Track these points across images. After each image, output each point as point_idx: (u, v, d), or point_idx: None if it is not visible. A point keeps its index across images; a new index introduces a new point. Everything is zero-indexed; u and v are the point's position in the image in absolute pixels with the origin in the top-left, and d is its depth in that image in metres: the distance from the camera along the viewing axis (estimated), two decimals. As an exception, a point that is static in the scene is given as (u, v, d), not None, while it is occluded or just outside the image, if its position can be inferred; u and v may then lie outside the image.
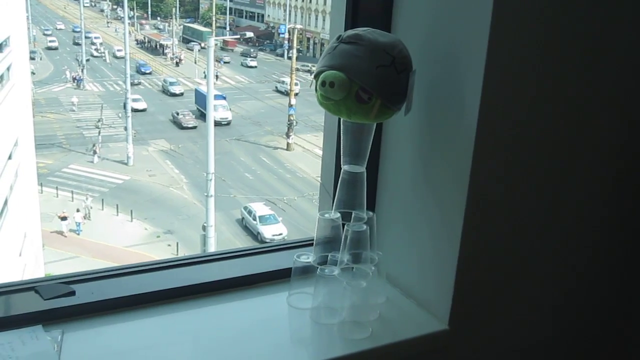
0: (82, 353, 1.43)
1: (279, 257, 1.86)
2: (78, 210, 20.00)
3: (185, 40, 47.83)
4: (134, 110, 29.22)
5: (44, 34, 48.58)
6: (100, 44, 44.35)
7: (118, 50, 41.71)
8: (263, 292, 1.71)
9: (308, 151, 25.26)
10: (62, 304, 1.49)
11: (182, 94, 33.96)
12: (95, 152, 24.68)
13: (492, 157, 1.53)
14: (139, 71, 38.76)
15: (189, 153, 25.36)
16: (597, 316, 1.97)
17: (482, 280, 1.66)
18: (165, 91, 34.66)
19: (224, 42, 45.38)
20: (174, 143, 26.22)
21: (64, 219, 19.62)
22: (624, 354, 2.02)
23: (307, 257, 1.62)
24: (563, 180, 1.71)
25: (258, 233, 19.07)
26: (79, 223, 19.72)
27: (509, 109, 1.52)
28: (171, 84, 35.16)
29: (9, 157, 13.68)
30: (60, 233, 19.42)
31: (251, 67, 41.26)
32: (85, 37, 42.78)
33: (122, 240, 18.85)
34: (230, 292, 1.70)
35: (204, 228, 16.80)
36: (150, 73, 38.71)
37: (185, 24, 51.59)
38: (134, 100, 33.16)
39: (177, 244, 18.70)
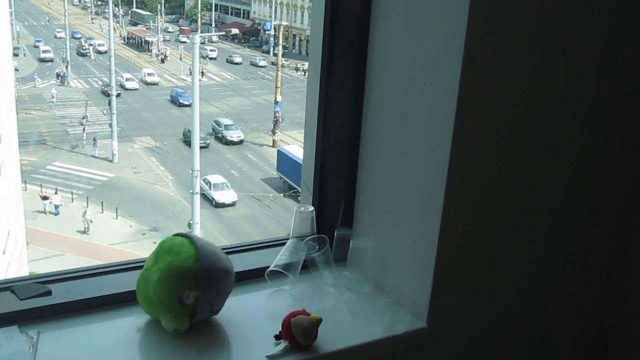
0: (58, 353, 1.42)
1: (262, 254, 1.87)
2: (56, 193, 20.53)
3: (133, 23, 51.94)
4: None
5: (35, 46, 40.92)
6: (85, 40, 43.75)
7: (99, 45, 41.06)
8: (245, 290, 1.71)
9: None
10: (38, 304, 1.49)
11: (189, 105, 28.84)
12: (95, 145, 24.63)
13: (468, 158, 1.54)
14: (176, 101, 31.08)
15: (175, 150, 25.25)
16: (574, 314, 1.98)
17: (460, 279, 1.67)
18: (174, 101, 31.19)
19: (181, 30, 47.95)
20: (159, 140, 26.08)
21: (45, 198, 20.37)
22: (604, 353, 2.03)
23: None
24: (540, 180, 1.72)
25: (212, 199, 21.09)
26: (58, 205, 20.16)
27: (486, 107, 1.53)
28: (179, 94, 31.49)
29: (-8, 155, 13.56)
30: (42, 212, 20.11)
31: (236, 63, 41.00)
32: (74, 37, 42.25)
33: (107, 238, 18.75)
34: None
35: (190, 225, 16.76)
36: (189, 105, 27.68)
37: (132, 10, 55.21)
38: (127, 79, 32.83)
39: (163, 241, 18.64)
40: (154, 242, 18.50)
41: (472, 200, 1.60)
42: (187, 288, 1.43)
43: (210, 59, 41.15)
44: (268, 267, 1.70)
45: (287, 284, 1.70)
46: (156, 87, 34.01)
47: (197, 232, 16.20)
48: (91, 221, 19.06)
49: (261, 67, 40.16)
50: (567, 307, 1.95)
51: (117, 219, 20.08)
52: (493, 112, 1.55)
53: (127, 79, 33.82)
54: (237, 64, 40.77)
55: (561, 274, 1.88)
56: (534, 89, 1.59)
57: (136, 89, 33.35)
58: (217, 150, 25.60)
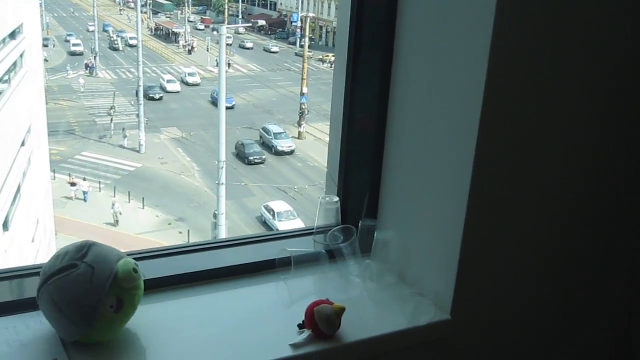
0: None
1: (287, 244, 1.87)
2: (84, 180, 20.93)
3: (154, 12, 51.38)
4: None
5: (66, 40, 40.26)
6: (114, 32, 43.97)
7: (131, 39, 41.20)
8: (268, 279, 1.74)
9: (319, 140, 25.20)
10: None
11: (232, 107, 27.96)
12: (125, 136, 24.81)
13: (494, 150, 1.54)
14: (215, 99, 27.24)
15: (201, 141, 25.34)
16: (598, 311, 1.96)
17: (485, 271, 1.67)
18: (215, 103, 28.02)
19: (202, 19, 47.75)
20: (185, 131, 26.21)
21: (72, 184, 20.84)
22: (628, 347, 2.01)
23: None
24: (565, 173, 1.70)
25: (272, 146, 21.49)
26: (86, 192, 20.54)
27: (512, 98, 1.52)
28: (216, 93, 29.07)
29: (22, 144, 13.74)
30: (69, 198, 20.52)
31: (249, 48, 41.50)
32: (104, 30, 42.38)
33: (133, 227, 18.93)
34: (240, 278, 1.74)
35: (215, 216, 16.84)
36: (232, 107, 27.70)
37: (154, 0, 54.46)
38: (168, 81, 31.05)
39: (189, 231, 18.74)
40: (180, 232, 18.75)
41: (497, 194, 1.59)
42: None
43: (247, 48, 41.60)
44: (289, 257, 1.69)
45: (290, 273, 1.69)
46: (198, 88, 32.15)
47: (222, 222, 16.28)
48: (120, 213, 19.23)
49: (273, 52, 40.96)
50: (592, 303, 1.94)
51: (143, 208, 20.25)
52: (519, 104, 1.54)
53: (168, 81, 31.68)
54: (249, 49, 41.13)
55: (586, 270, 1.87)
56: (560, 81, 1.58)
57: (178, 92, 31.02)
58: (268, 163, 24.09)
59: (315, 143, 25.30)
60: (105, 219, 19.34)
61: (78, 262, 1.37)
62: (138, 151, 24.34)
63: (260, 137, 25.16)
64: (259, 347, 1.47)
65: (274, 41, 45.42)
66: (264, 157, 23.19)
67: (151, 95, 29.30)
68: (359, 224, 1.86)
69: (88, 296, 1.36)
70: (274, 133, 24.66)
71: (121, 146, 24.72)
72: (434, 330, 1.63)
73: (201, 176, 22.58)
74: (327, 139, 2.02)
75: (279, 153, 23.65)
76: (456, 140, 1.55)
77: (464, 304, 1.64)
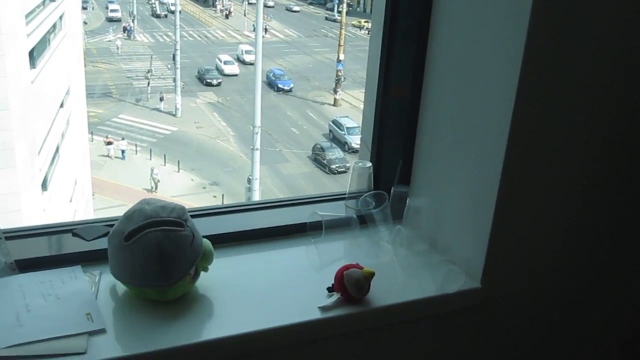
0: (118, 294, 1.49)
1: (318, 209, 1.88)
2: (123, 139, 21.24)
3: None
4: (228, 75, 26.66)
5: (106, 7, 39.46)
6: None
7: (172, 4, 41.04)
8: (301, 243, 1.76)
9: (355, 107, 25.09)
10: (101, 246, 1.53)
11: (290, 90, 27.00)
12: (162, 99, 24.97)
13: (531, 120, 1.51)
14: (274, 84, 27.14)
15: (236, 106, 25.43)
16: (631, 280, 1.94)
17: (516, 241, 1.66)
18: (271, 84, 27.23)
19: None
20: (221, 96, 26.31)
21: (109, 143, 21.14)
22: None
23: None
24: (606, 147, 1.67)
25: (345, 142, 20.70)
26: (124, 150, 20.95)
27: (551, 67, 1.49)
28: (278, 77, 27.60)
29: (61, 106, 13.94)
30: (107, 156, 21.00)
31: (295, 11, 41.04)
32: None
33: (168, 190, 19.16)
34: (271, 241, 1.77)
35: (249, 181, 16.96)
36: (290, 90, 26.82)
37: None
38: (225, 62, 28.02)
39: (223, 195, 18.94)
40: (214, 196, 18.94)
41: (531, 163, 1.57)
42: None
43: (294, 11, 41.54)
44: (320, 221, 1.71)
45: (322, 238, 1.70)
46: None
47: (256, 187, 16.40)
48: (159, 180, 19.39)
49: (295, 12, 41.64)
50: (625, 274, 1.91)
51: (178, 172, 20.48)
52: (558, 72, 1.50)
53: (225, 62, 28.95)
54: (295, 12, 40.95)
55: (620, 241, 1.85)
56: (599, 58, 1.54)
57: (236, 75, 28.34)
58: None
59: (350, 110, 25.21)
60: (142, 183, 19.59)
61: (184, 223, 1.43)
62: (174, 115, 24.54)
63: (330, 131, 23.02)
64: (288, 310, 1.48)
65: (312, 7, 45.11)
66: (348, 165, 19.53)
67: (208, 80, 27.21)
68: (392, 191, 1.86)
69: (186, 258, 1.43)
70: (347, 127, 22.19)
71: (157, 110, 24.95)
72: (463, 299, 1.63)
73: (236, 141, 22.71)
74: (363, 106, 2.02)
75: (353, 150, 20.50)
76: (493, 109, 1.53)
77: (495, 273, 1.63)
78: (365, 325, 1.54)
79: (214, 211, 1.85)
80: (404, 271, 1.69)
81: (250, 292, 1.55)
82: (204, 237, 1.52)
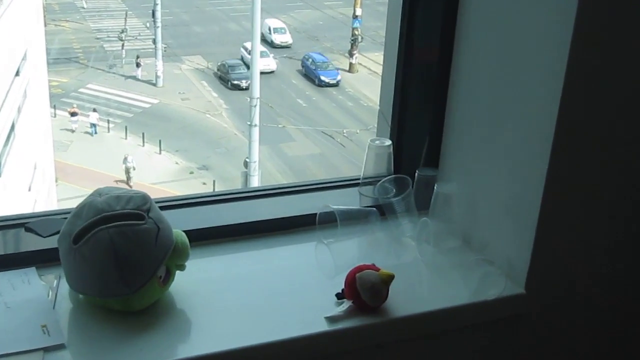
0: (79, 302, 1.49)
1: (327, 196, 1.93)
2: (94, 110, 21.04)
3: None
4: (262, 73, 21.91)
5: None
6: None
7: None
8: (303, 239, 1.78)
9: (375, 74, 25.00)
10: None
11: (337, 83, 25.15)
12: (139, 65, 24.88)
13: (584, 93, 1.51)
14: (315, 76, 24.80)
15: (230, 73, 25.44)
16: None
17: (567, 239, 1.66)
18: (310, 76, 25.25)
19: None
20: (211, 60, 26.31)
21: (74, 114, 20.73)
22: None
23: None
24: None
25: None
26: (94, 125, 20.73)
27: (604, 30, 1.48)
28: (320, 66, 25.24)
29: (17, 74, 13.91)
30: (71, 130, 20.73)
31: None
32: None
33: (148, 176, 19.19)
34: (271, 236, 1.79)
35: (246, 164, 16.98)
36: (337, 83, 25.02)
37: None
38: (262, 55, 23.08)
39: (214, 182, 18.95)
40: (203, 183, 19.00)
41: (585, 143, 1.56)
42: None
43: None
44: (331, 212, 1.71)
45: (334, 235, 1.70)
46: (289, 52, 27.66)
47: (255, 172, 16.43)
48: (134, 168, 19.37)
49: None
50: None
51: (160, 154, 20.52)
52: (611, 36, 1.49)
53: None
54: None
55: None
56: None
57: (272, 72, 25.20)
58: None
59: (369, 77, 25.14)
60: (115, 167, 19.63)
61: (145, 215, 1.43)
62: (154, 84, 24.56)
63: (303, 67, 24.87)
64: (287, 320, 1.49)
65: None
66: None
67: (235, 82, 24.24)
68: (416, 174, 1.86)
69: (151, 258, 1.43)
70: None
71: (134, 78, 24.98)
72: (503, 307, 1.63)
73: (230, 116, 22.72)
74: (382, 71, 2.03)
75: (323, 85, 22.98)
76: (542, 77, 1.52)
77: (543, 276, 1.63)
78: (382, 339, 1.54)
79: (200, 200, 1.87)
80: (430, 273, 1.70)
81: (240, 298, 1.56)
82: (187, 231, 1.53)
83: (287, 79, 25.23)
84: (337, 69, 25.47)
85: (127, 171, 19.16)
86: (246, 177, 16.72)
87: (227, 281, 1.61)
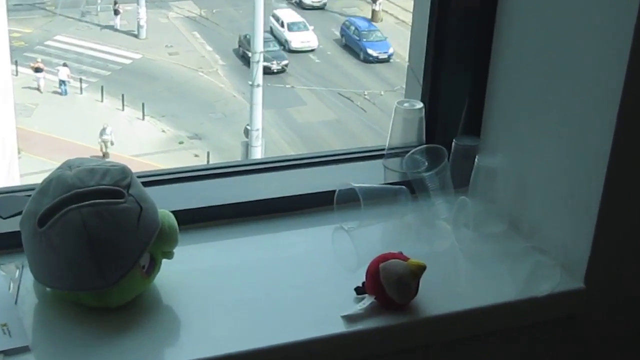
0: (46, 296, 1.50)
1: (346, 170, 1.95)
2: (65, 65, 21.05)
3: None
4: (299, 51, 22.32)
5: None
6: None
7: None
8: (316, 221, 1.79)
9: (403, 23, 24.89)
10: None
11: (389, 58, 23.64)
12: (117, 13, 24.80)
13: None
14: (358, 47, 23.35)
15: (227, 22, 25.36)
16: None
17: (632, 225, 1.66)
18: (352, 47, 23.70)
19: None
20: (205, 7, 26.26)
21: (38, 70, 20.64)
22: None
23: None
24: None
25: (285, 40, 21.64)
26: (65, 82, 20.72)
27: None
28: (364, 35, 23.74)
29: (-31, 22, 13.93)
30: (36, 89, 20.66)
31: None
32: None
33: (129, 147, 19.22)
34: (279, 218, 1.80)
35: (247, 132, 16.99)
36: (389, 58, 23.35)
37: None
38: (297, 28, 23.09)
39: (208, 153, 18.97)
40: (196, 155, 19.04)
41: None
42: None
43: None
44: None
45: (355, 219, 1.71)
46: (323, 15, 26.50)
47: (257, 141, 16.44)
48: (112, 143, 19.32)
49: None
50: None
51: (143, 119, 20.54)
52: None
53: (289, 25, 23.51)
54: None
55: None
56: None
57: (312, 50, 23.51)
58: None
59: (396, 28, 25.04)
60: (89, 136, 19.66)
61: (124, 192, 1.43)
62: (136, 35, 24.55)
63: (343, 36, 23.23)
64: (297, 320, 1.50)
65: None
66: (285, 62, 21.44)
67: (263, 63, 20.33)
68: (453, 144, 1.86)
69: (132, 243, 1.43)
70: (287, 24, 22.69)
71: (112, 28, 24.97)
72: (558, 305, 1.63)
73: (228, 74, 22.70)
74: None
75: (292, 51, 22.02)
76: (608, 23, 1.51)
77: (606, 268, 1.63)
78: (410, 342, 1.55)
79: (192, 175, 1.88)
80: (469, 264, 1.71)
81: (240, 293, 1.57)
82: (175, 212, 1.54)
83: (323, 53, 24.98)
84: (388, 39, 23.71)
85: (105, 146, 19.17)
86: (247, 147, 16.74)
87: (223, 272, 1.62)
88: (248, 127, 16.94)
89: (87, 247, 1.38)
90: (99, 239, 1.38)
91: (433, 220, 1.78)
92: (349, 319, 1.48)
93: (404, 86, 2.17)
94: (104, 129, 19.12)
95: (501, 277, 1.64)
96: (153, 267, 1.50)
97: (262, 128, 16.97)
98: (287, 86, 21.57)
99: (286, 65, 22.17)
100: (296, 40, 22.95)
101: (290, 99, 21.25)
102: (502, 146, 1.82)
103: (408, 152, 1.83)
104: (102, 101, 20.99)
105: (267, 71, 20.43)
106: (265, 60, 19.79)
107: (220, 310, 1.52)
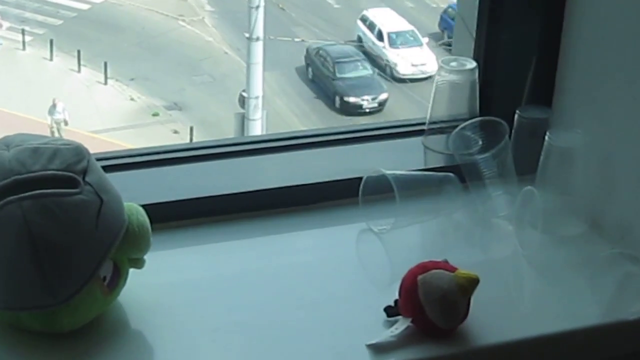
0: None
1: (372, 150, 1.96)
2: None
3: None
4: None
5: None
6: None
7: None
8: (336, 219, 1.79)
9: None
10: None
11: None
12: None
13: None
14: None
15: (217, -46, 25.44)
16: None
17: None
18: None
19: None
20: None
21: None
22: None
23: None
24: None
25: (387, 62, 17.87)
26: None
27: None
28: None
29: None
30: None
31: None
32: None
33: (87, 120, 19.25)
34: (287, 214, 1.81)
35: (243, 101, 17.02)
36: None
37: None
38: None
39: (191, 129, 18.96)
40: (174, 131, 19.05)
41: None
42: None
43: None
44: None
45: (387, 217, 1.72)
46: None
47: (256, 113, 16.45)
48: (66, 122, 19.22)
49: None
50: None
51: (106, 84, 20.55)
52: None
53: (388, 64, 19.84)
54: None
55: None
56: None
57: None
58: None
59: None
60: (36, 110, 19.67)
61: (79, 179, 1.42)
62: (96, -28, 24.64)
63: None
64: (308, 350, 1.50)
65: None
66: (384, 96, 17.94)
67: (352, 99, 18.52)
68: (515, 117, 1.86)
69: (88, 248, 1.42)
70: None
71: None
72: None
73: (217, 23, 22.74)
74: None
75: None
76: None
77: None
78: None
79: (169, 156, 1.88)
80: (537, 276, 1.72)
81: (233, 313, 1.57)
82: (147, 206, 1.54)
83: None
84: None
85: (58, 128, 19.07)
86: (242, 121, 16.76)
87: (210, 286, 1.62)
88: (244, 94, 16.93)
89: (29, 253, 1.37)
90: (45, 242, 1.38)
91: (489, 218, 1.79)
92: (378, 348, 1.48)
93: (450, 39, 2.17)
94: (53, 106, 18.96)
95: (579, 294, 1.64)
96: (117, 279, 1.49)
97: (263, 95, 16.98)
98: (297, 40, 21.56)
99: (384, 102, 18.44)
100: (404, 62, 18.80)
101: (301, 56, 21.24)
102: (581, 121, 1.82)
103: (456, 127, 1.83)
104: (51, 59, 20.98)
105: (358, 111, 18.10)
106: (354, 95, 18.21)
107: (206, 336, 1.52)
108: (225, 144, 1.94)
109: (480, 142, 1.79)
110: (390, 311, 1.53)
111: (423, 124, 1.94)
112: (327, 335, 1.53)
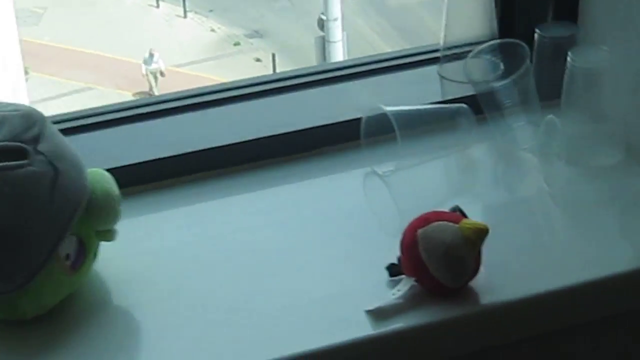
0: None
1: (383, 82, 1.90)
2: None
3: None
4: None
5: None
6: None
7: None
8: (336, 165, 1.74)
9: None
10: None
11: None
12: None
13: None
14: None
15: None
16: None
17: None
18: None
19: None
20: None
21: None
22: None
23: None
24: None
25: None
26: None
27: None
28: None
29: None
30: None
31: None
32: None
33: (169, 55, 19.51)
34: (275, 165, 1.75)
35: (322, 23, 17.10)
36: None
37: None
38: None
39: (274, 55, 19.23)
40: (257, 59, 19.26)
41: None
42: None
43: None
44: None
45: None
46: None
47: (336, 36, 16.51)
48: (162, 73, 19.29)
49: None
50: None
51: (185, 17, 20.90)
52: None
53: None
54: None
55: None
56: None
57: None
58: None
59: None
60: (123, 50, 19.92)
61: (29, 149, 1.36)
62: None
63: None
64: (301, 321, 1.41)
65: None
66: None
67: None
68: (535, 36, 1.76)
69: (43, 224, 1.36)
70: None
71: None
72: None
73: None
74: None
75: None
76: None
77: None
78: (470, 344, 1.45)
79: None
80: (565, 216, 1.64)
81: (223, 281, 1.50)
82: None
83: None
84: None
85: (155, 79, 19.23)
86: (323, 44, 16.86)
87: (196, 252, 1.55)
88: (323, 17, 17.05)
89: None
90: None
91: (511, 151, 1.70)
92: (377, 314, 1.39)
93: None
94: (150, 56, 18.87)
95: (614, 236, 1.56)
96: (83, 256, 1.43)
97: (342, 16, 17.05)
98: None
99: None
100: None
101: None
102: (610, 39, 1.72)
103: (473, 49, 1.75)
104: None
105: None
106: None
107: (197, 305, 1.45)
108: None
109: (501, 66, 1.74)
110: (393, 270, 1.44)
111: (437, 50, 1.85)
112: (321, 299, 1.44)
